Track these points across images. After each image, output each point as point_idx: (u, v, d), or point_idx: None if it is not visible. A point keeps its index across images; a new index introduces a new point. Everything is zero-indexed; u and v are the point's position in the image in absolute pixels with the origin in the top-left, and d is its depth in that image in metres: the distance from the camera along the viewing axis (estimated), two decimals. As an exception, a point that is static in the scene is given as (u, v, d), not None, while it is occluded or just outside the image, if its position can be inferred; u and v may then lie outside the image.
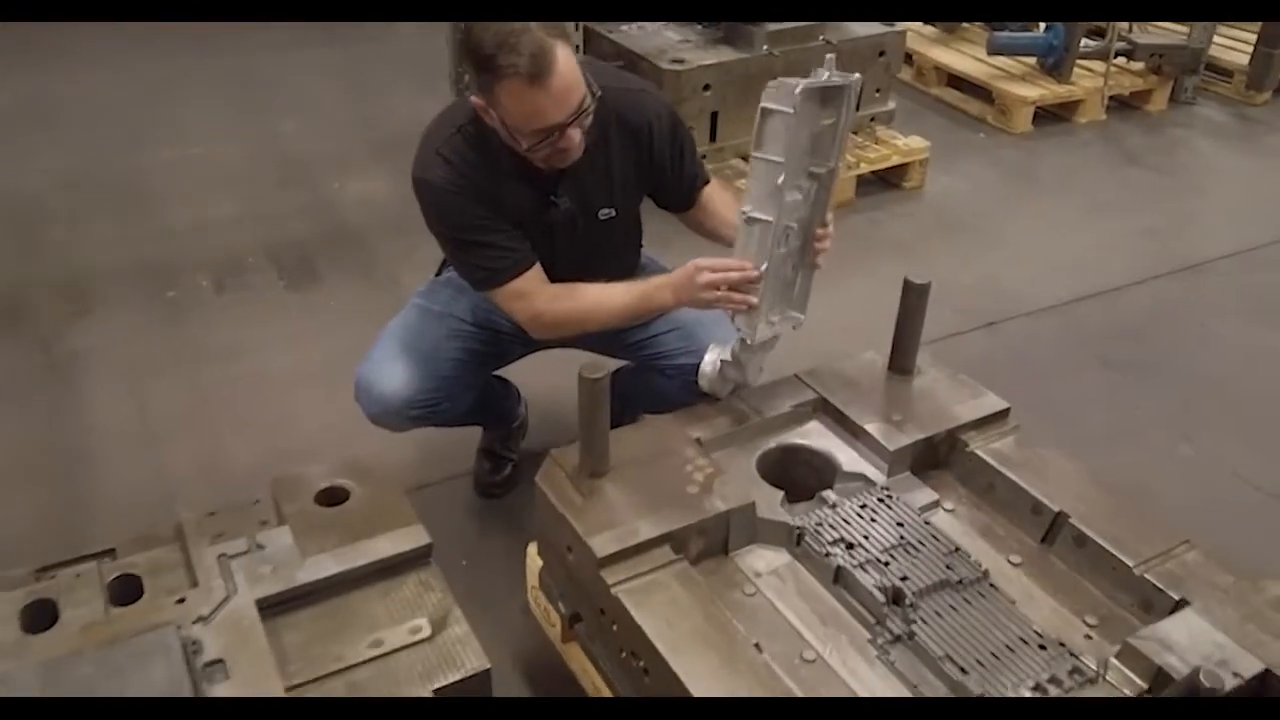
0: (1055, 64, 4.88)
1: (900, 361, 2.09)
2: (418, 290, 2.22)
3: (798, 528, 1.76)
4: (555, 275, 2.03)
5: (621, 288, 1.98)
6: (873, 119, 4.21)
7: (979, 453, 1.92)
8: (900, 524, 1.77)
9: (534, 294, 1.97)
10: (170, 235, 3.61)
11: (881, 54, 4.12)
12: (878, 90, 4.21)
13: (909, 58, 5.13)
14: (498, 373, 2.37)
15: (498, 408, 2.45)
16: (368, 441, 2.14)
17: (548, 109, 1.75)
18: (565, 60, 1.73)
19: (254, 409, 2.77)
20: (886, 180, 4.17)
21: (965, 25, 5.40)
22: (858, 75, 1.76)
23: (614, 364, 1.75)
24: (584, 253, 2.07)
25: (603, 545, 1.66)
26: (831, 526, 1.76)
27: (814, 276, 1.96)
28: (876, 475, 1.91)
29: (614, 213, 2.06)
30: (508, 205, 1.94)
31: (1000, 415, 2.01)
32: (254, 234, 3.62)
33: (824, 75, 1.73)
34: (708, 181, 2.15)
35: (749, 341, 1.88)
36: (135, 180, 3.98)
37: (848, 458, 1.95)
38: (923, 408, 2.01)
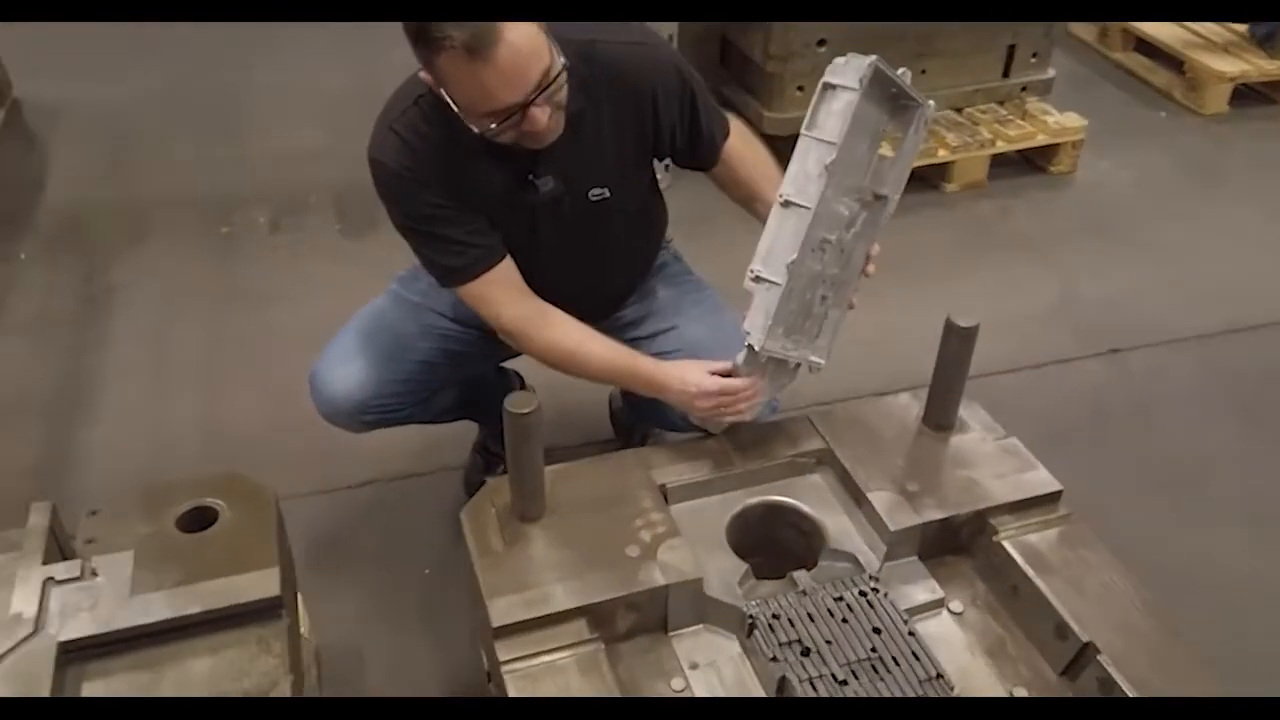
0: (1268, 34, 4.13)
1: (937, 415, 1.72)
2: (398, 274, 1.98)
3: (750, 616, 1.45)
4: (541, 270, 1.75)
5: (608, 343, 1.75)
6: (1024, 88, 3.66)
7: (1007, 545, 1.55)
8: (878, 630, 1.43)
9: (497, 300, 1.71)
10: (245, 164, 3.53)
11: (1041, 14, 3.55)
12: (1034, 55, 3.64)
13: (1092, 15, 4.48)
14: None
15: (491, 402, 2.18)
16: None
17: (496, 88, 1.45)
18: (516, 28, 1.42)
19: (271, 363, 2.63)
20: (1031, 161, 3.63)
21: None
22: (932, 103, 1.61)
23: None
24: (575, 242, 1.78)
25: (503, 612, 1.41)
26: (790, 623, 1.44)
27: (843, 320, 1.69)
28: (870, 558, 1.56)
29: (608, 193, 1.75)
30: (477, 187, 1.67)
31: (1049, 499, 1.62)
32: (326, 170, 3.46)
33: (903, 73, 1.55)
34: (729, 134, 1.81)
35: (756, 349, 1.56)
36: (229, 103, 3.91)
37: (840, 529, 1.62)
38: (950, 478, 1.64)
